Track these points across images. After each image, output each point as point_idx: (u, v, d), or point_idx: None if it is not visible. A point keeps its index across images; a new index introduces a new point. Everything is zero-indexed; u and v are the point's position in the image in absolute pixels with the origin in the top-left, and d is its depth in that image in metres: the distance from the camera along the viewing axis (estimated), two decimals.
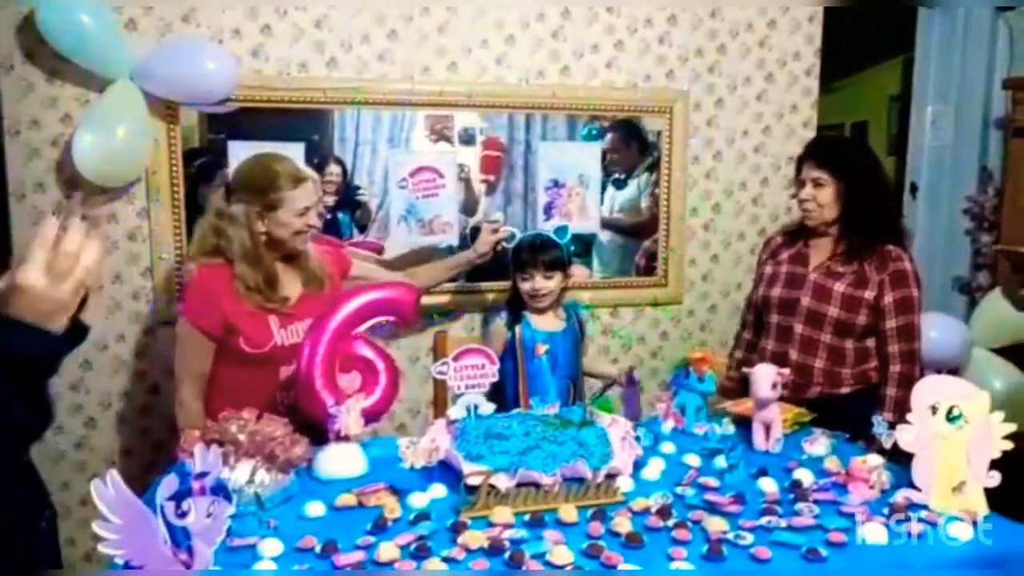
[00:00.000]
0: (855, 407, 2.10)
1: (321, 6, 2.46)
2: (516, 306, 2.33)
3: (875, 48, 4.19)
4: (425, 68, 2.58)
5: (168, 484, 1.07)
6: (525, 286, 2.28)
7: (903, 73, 4.07)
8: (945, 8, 3.19)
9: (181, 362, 1.96)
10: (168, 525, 1.06)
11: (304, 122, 2.51)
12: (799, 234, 2.31)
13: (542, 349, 2.28)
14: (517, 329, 2.28)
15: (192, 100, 2.32)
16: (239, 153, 2.41)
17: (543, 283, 2.27)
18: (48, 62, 2.25)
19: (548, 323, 2.34)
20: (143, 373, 2.49)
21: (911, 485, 1.56)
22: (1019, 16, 3.21)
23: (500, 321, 2.35)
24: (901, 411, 2.06)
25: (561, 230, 2.34)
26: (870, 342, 2.19)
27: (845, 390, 2.19)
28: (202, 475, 1.09)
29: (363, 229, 2.61)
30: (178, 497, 1.07)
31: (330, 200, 2.55)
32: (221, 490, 1.10)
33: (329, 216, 2.56)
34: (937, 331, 2.58)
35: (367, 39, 2.52)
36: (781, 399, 1.97)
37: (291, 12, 2.44)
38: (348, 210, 2.59)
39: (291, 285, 2.01)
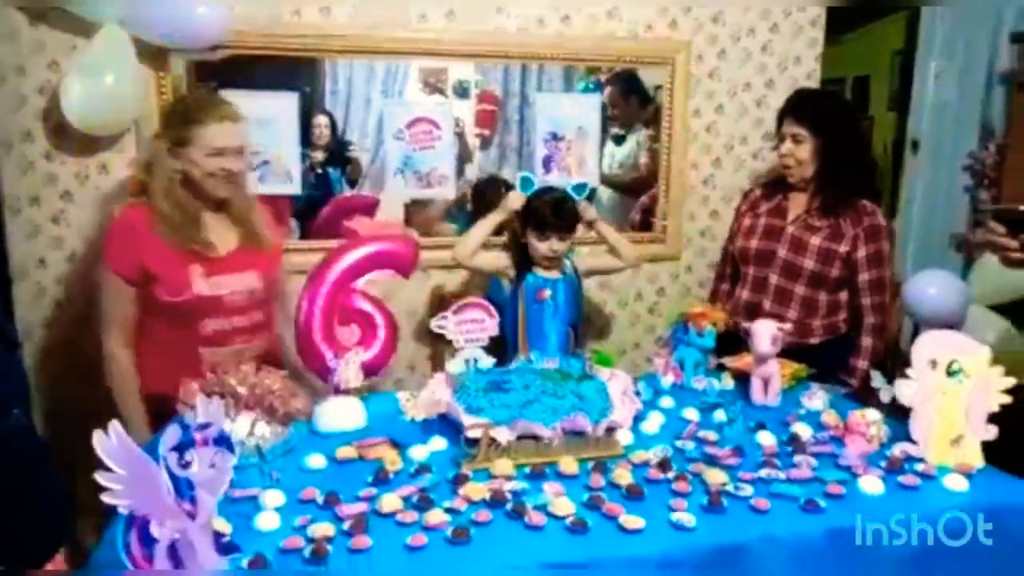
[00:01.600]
0: (824, 356, 2.18)
1: None
2: (522, 256, 2.31)
3: (879, 2, 4.11)
4: (422, 15, 2.51)
5: (171, 435, 1.06)
6: (542, 247, 2.24)
7: (907, 28, 4.00)
8: None
9: (104, 310, 1.88)
10: (171, 476, 1.06)
11: (296, 72, 2.44)
12: (778, 187, 2.37)
13: (545, 294, 2.29)
14: (518, 283, 2.28)
15: (182, 46, 2.25)
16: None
17: (560, 245, 2.25)
18: (34, 6, 2.17)
19: (550, 272, 2.33)
20: None
21: (908, 439, 1.58)
22: None
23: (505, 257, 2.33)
24: (876, 358, 2.19)
25: (580, 187, 2.31)
26: (842, 295, 2.26)
27: (815, 340, 2.27)
28: (204, 426, 1.08)
29: (353, 184, 2.56)
30: (181, 448, 1.06)
31: (320, 155, 2.50)
32: (224, 441, 1.09)
33: (319, 171, 2.51)
34: (936, 288, 2.58)
35: None
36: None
37: None
38: (338, 165, 2.53)
39: (223, 235, 1.92)
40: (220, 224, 1.92)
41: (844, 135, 2.24)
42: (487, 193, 2.64)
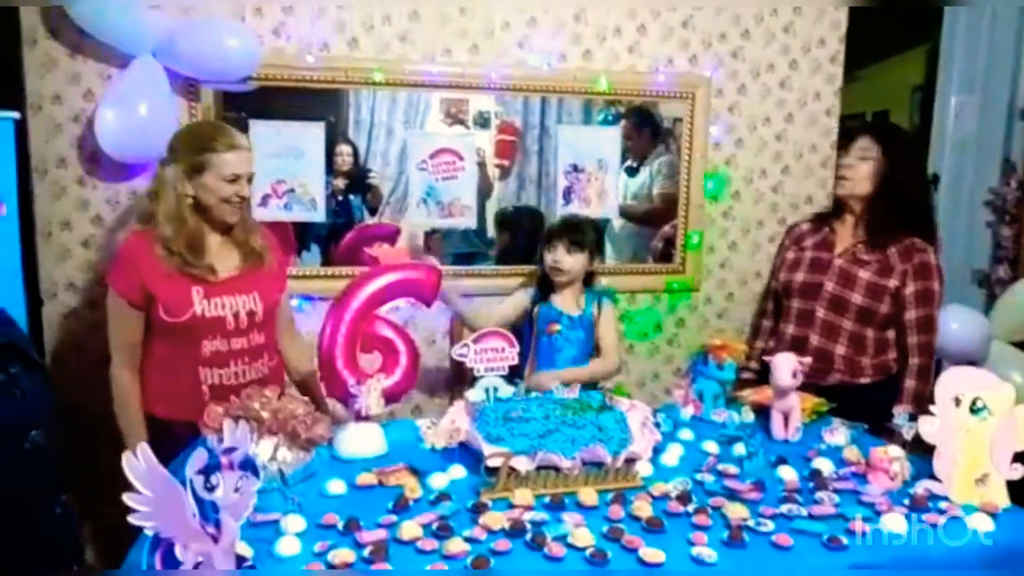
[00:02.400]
0: (875, 398, 2.10)
1: None
2: (544, 285, 2.42)
3: (897, 37, 4.13)
4: (447, 50, 2.56)
5: (197, 458, 1.08)
6: (547, 259, 2.35)
7: (927, 63, 4.01)
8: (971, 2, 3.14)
9: (111, 333, 1.91)
10: (197, 499, 1.07)
11: (322, 102, 2.50)
12: (824, 220, 2.33)
13: (554, 328, 2.36)
14: (536, 306, 2.39)
15: (213, 78, 2.32)
16: (260, 133, 2.42)
17: (564, 257, 2.33)
18: (71, 38, 2.25)
19: (567, 305, 2.40)
20: None
21: (932, 476, 1.56)
22: None
23: (523, 292, 2.46)
24: (919, 403, 2.08)
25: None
26: (891, 333, 2.20)
27: (865, 380, 2.19)
28: (230, 450, 1.10)
29: (373, 212, 2.60)
30: (207, 471, 1.07)
31: (341, 183, 2.55)
32: (249, 465, 1.10)
33: (341, 198, 2.55)
34: (957, 323, 2.56)
35: (388, 19, 2.50)
36: (800, 386, 1.97)
37: None
38: (359, 193, 2.58)
39: (226, 258, 1.94)
40: (224, 247, 1.95)
41: (908, 163, 2.25)
42: (511, 222, 2.69)
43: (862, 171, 2.21)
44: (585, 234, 2.38)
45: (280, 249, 2.10)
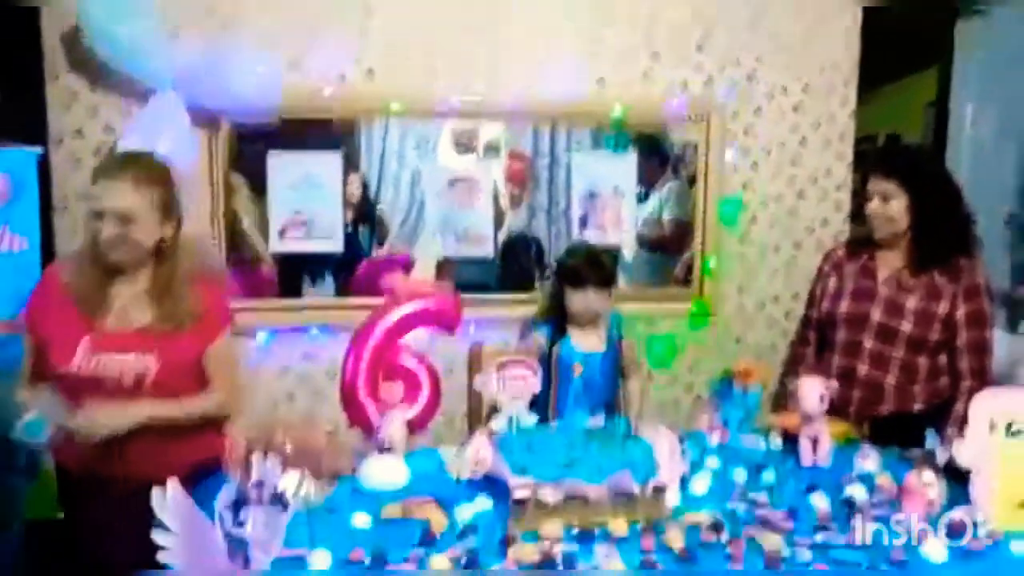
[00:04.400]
0: (928, 425, 1.99)
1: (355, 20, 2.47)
2: (559, 320, 2.24)
3: (908, 59, 4.14)
4: (462, 79, 2.58)
5: (226, 493, 1.06)
6: (578, 301, 2.17)
7: (939, 80, 4.01)
8: (981, 15, 3.14)
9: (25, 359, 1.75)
10: (226, 534, 1.05)
11: (335, 133, 2.51)
12: (863, 245, 2.20)
13: (578, 369, 2.20)
14: (555, 346, 2.21)
15: (235, 111, 2.34)
16: (278, 164, 2.44)
17: (595, 300, 2.18)
18: (92, 71, 2.28)
19: (589, 342, 2.25)
20: None
21: (966, 501, 1.52)
22: None
23: (539, 336, 2.26)
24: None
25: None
26: (942, 358, 2.10)
27: (917, 407, 2.10)
28: (259, 484, 1.08)
29: (381, 243, 2.60)
30: (236, 506, 1.06)
31: (350, 214, 2.56)
32: (279, 500, 1.09)
33: (350, 229, 2.55)
34: None
35: (405, 50, 2.52)
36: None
37: (330, 24, 2.45)
38: (368, 224, 2.58)
39: (133, 309, 1.70)
40: (137, 299, 1.71)
41: (935, 189, 2.09)
42: (518, 251, 2.68)
43: (891, 212, 2.08)
44: (613, 269, 2.26)
45: (221, 314, 1.80)
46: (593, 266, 2.19)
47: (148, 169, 1.71)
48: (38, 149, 2.11)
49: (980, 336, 2.06)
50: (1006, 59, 3.11)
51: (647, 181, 2.80)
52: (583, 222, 2.73)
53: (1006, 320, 3.19)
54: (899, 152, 2.26)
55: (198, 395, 1.75)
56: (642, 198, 2.80)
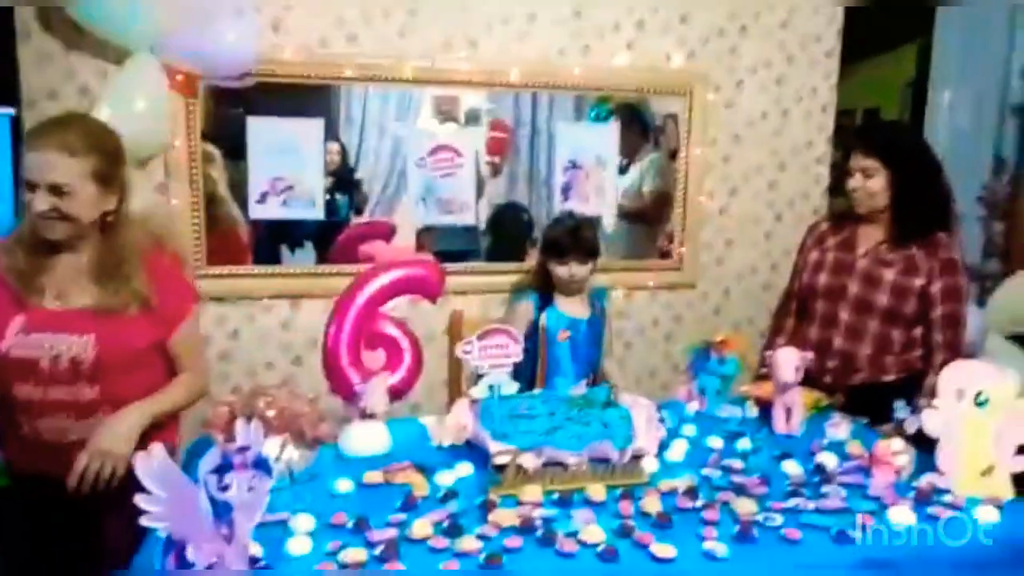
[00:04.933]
0: (899, 395, 1.96)
1: None
2: (545, 290, 2.33)
3: (889, 34, 4.16)
4: (446, 45, 2.55)
5: (210, 458, 1.07)
6: (562, 272, 2.26)
7: (918, 60, 4.04)
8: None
9: None
10: (210, 498, 1.06)
11: (315, 99, 2.48)
12: (845, 219, 2.25)
13: (564, 335, 2.28)
14: (542, 314, 2.29)
15: (213, 73, 2.30)
16: (258, 130, 2.41)
17: (579, 269, 2.26)
18: (66, 33, 2.22)
19: (574, 309, 2.33)
20: None
21: (934, 470, 1.57)
22: None
23: (527, 303, 2.33)
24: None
25: None
26: (917, 331, 2.15)
27: (889, 378, 2.15)
28: (243, 449, 1.09)
29: (359, 211, 2.58)
30: (220, 471, 1.07)
31: (328, 181, 2.53)
32: (262, 464, 1.10)
33: (328, 197, 2.53)
34: None
35: (387, 15, 2.49)
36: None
37: None
38: (346, 191, 2.56)
39: (73, 288, 1.58)
40: (77, 275, 1.58)
41: (917, 165, 2.14)
42: (506, 221, 2.68)
43: (872, 187, 2.12)
44: (595, 241, 2.30)
45: (181, 297, 1.70)
46: (576, 238, 2.25)
47: (83, 136, 1.53)
48: (10, 111, 2.06)
49: (955, 310, 2.10)
50: (983, 40, 3.14)
51: (628, 152, 2.80)
52: (565, 191, 2.73)
53: (976, 294, 3.27)
54: (880, 128, 2.30)
55: (172, 383, 1.67)
56: (623, 169, 2.81)
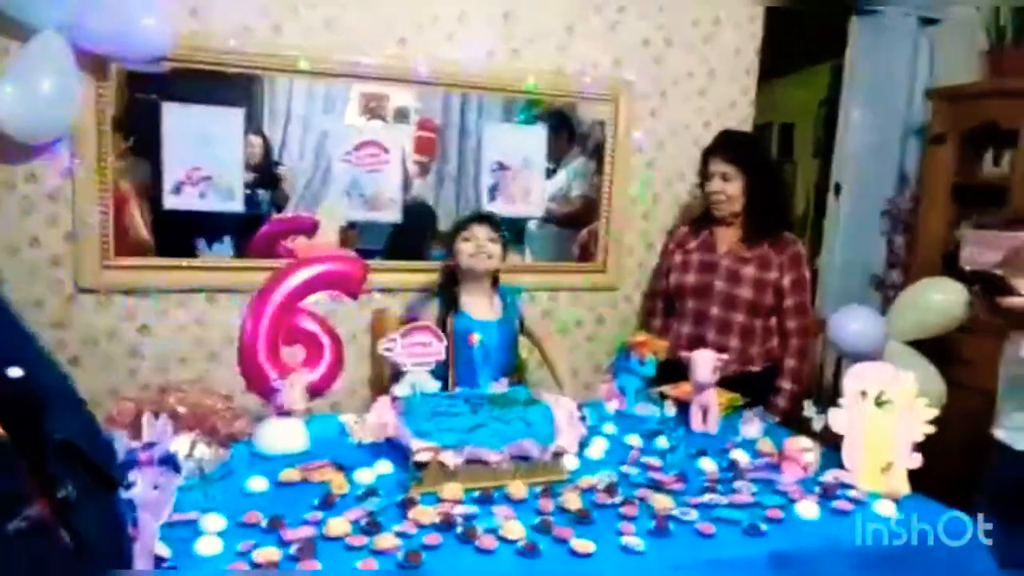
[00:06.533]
0: (767, 383, 2.33)
1: None
2: (450, 290, 2.25)
3: (804, 53, 4.35)
4: (374, 41, 2.51)
5: None
6: (467, 247, 2.18)
7: (831, 80, 4.24)
8: (873, 16, 3.33)
9: None
10: None
11: (236, 90, 2.39)
12: (703, 223, 2.51)
13: (475, 338, 2.19)
14: (450, 317, 2.18)
15: (124, 56, 2.19)
16: (174, 117, 2.31)
17: (487, 244, 2.18)
18: None
19: (483, 311, 2.25)
20: (61, 343, 2.35)
21: (840, 466, 1.65)
22: (940, 30, 3.39)
23: (432, 304, 2.25)
24: (799, 380, 2.35)
25: None
26: (772, 321, 2.40)
27: (756, 368, 2.37)
28: (150, 445, 1.04)
29: (280, 208, 2.50)
30: (124, 467, 1.01)
31: (250, 175, 2.45)
32: (170, 461, 1.05)
33: (249, 191, 2.45)
34: (857, 323, 2.72)
35: (313, 5, 2.44)
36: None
37: None
38: (268, 186, 2.48)
39: None
40: None
41: (766, 172, 2.46)
42: (420, 218, 2.65)
43: (730, 192, 2.39)
44: (500, 225, 2.27)
45: None
46: (480, 216, 2.31)
47: None
48: None
49: (802, 300, 2.39)
50: (887, 65, 3.32)
51: (556, 156, 2.83)
52: (492, 192, 2.73)
53: (880, 302, 3.44)
54: (736, 139, 2.55)
55: None
56: (551, 173, 2.83)
